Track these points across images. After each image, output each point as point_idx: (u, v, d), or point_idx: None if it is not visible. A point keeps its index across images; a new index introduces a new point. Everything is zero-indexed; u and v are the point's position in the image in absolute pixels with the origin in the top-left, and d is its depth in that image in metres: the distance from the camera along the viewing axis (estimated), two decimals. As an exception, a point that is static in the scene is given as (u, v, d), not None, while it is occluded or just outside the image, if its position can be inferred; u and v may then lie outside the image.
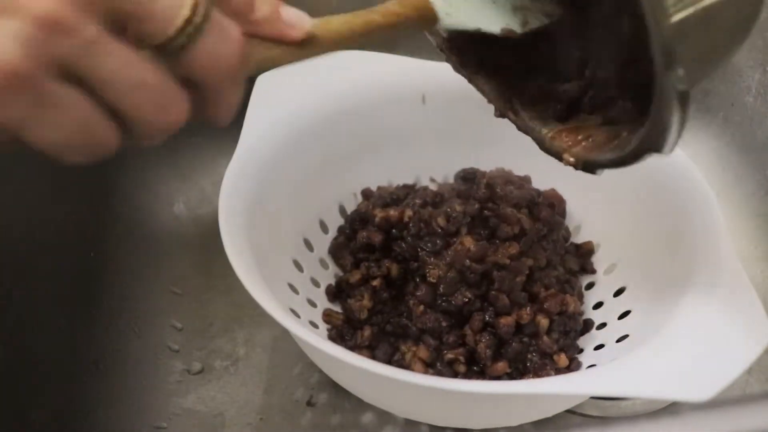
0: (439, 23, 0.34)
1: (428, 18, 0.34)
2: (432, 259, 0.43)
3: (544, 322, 0.42)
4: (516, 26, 0.36)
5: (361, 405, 0.45)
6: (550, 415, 0.39)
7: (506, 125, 0.48)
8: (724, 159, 0.55)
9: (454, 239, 0.43)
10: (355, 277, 0.46)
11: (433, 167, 0.52)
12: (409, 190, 0.50)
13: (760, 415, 0.25)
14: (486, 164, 0.50)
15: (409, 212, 0.45)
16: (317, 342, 0.34)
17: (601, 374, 0.34)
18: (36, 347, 0.40)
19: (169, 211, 0.56)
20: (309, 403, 0.45)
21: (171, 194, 0.56)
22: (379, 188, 0.51)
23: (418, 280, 0.43)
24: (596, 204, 0.48)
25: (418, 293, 0.42)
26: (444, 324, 0.41)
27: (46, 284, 0.43)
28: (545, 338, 0.41)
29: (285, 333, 0.49)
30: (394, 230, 0.46)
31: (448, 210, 0.44)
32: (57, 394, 0.41)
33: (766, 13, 0.51)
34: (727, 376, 0.29)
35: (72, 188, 0.48)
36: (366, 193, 0.51)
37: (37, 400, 0.39)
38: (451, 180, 0.51)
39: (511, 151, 0.49)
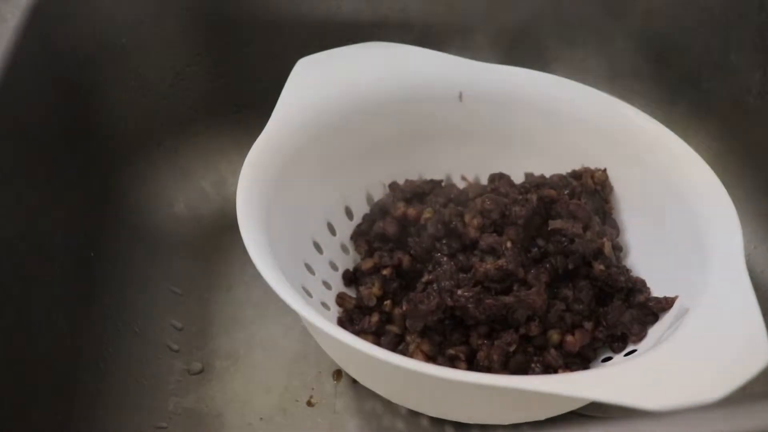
0: None
1: None
2: (445, 258, 0.43)
3: (555, 337, 0.41)
4: None
5: (361, 405, 0.45)
6: (543, 417, 0.39)
7: (544, 132, 0.49)
8: (724, 159, 0.55)
9: (474, 248, 0.43)
10: (368, 264, 0.46)
11: (465, 166, 0.52)
12: (435, 185, 0.50)
13: (760, 415, 0.25)
14: (517, 169, 0.50)
15: (427, 213, 0.45)
16: (312, 316, 0.34)
17: (591, 379, 0.34)
18: (36, 347, 0.40)
19: (169, 211, 0.56)
20: (309, 403, 0.45)
21: (171, 194, 0.56)
22: (406, 181, 0.51)
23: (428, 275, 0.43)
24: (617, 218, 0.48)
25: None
26: (448, 322, 0.41)
27: (46, 284, 0.43)
28: (552, 351, 0.41)
29: (286, 332, 0.49)
30: (411, 228, 0.46)
31: (484, 210, 0.43)
32: (57, 394, 0.41)
33: (767, 14, 0.51)
34: (708, 398, 0.29)
35: (72, 189, 0.48)
36: (393, 186, 0.51)
37: (37, 400, 0.39)
38: (483, 181, 0.51)
39: (548, 159, 0.49)
